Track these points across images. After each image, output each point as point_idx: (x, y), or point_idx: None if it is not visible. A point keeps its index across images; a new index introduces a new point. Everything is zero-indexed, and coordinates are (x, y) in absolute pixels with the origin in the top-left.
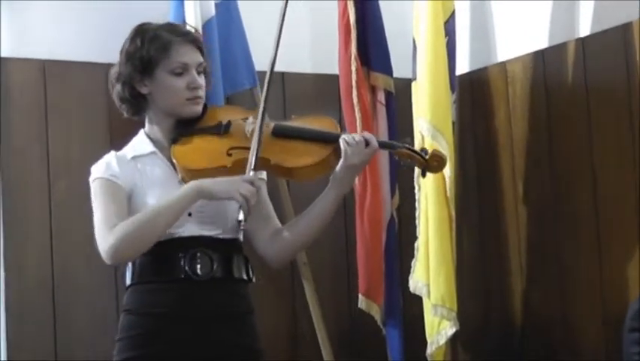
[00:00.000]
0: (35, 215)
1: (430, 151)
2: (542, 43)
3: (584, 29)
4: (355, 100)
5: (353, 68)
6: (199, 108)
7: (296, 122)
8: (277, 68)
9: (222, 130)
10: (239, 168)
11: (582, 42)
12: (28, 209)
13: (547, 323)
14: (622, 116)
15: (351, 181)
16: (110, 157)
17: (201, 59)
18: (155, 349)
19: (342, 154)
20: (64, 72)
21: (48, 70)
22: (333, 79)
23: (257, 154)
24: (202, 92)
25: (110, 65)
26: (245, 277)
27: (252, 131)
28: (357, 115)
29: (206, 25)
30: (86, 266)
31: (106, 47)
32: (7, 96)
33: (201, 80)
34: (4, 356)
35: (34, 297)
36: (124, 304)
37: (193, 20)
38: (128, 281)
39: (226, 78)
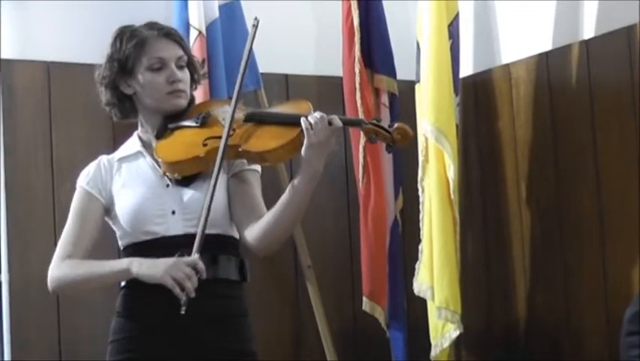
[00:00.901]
0: (39, 217)
1: (396, 125)
2: (546, 45)
3: (588, 31)
4: (359, 102)
5: (357, 70)
6: (182, 102)
7: (271, 109)
8: (281, 70)
9: (200, 121)
10: (212, 156)
11: (586, 44)
12: (33, 211)
13: (551, 325)
14: (626, 118)
15: (318, 161)
16: (93, 165)
17: (180, 53)
18: (143, 352)
19: (305, 132)
20: (68, 74)
21: (52, 72)
22: (336, 81)
23: (215, 185)
24: (183, 86)
25: None
26: (234, 277)
27: (225, 119)
28: (361, 117)
29: (210, 26)
30: None
31: None
32: (12, 98)
33: (182, 74)
34: (8, 357)
35: (38, 299)
36: (115, 307)
37: (197, 22)
38: (122, 283)
39: (230, 80)
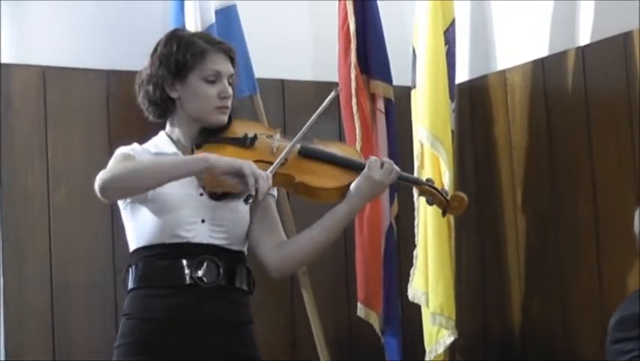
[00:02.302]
0: (35, 221)
1: (450, 192)
2: (542, 51)
3: (584, 38)
4: (355, 108)
5: (353, 76)
6: (225, 118)
7: (322, 146)
8: (277, 76)
9: (248, 142)
10: None
11: (582, 51)
12: (28, 215)
13: (546, 332)
14: (622, 124)
15: (363, 198)
16: (135, 145)
17: (232, 70)
18: (152, 356)
19: (368, 163)
20: (64, 79)
21: (48, 76)
22: (332, 87)
23: (281, 160)
24: (230, 102)
25: (109, 72)
26: (246, 288)
27: (278, 147)
28: (357, 123)
29: (206, 31)
30: (84, 272)
31: (106, 54)
32: (8, 102)
33: (231, 91)
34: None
35: (33, 303)
36: (124, 309)
37: (193, 27)
38: (130, 285)
39: None
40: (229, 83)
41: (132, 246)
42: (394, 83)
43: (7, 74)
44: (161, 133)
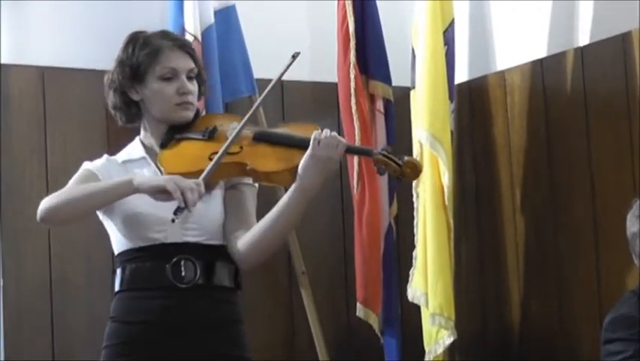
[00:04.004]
0: (34, 221)
1: (406, 158)
2: (541, 52)
3: (583, 38)
4: (354, 108)
5: (352, 76)
6: (189, 114)
7: (280, 129)
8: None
9: (207, 135)
10: (218, 171)
11: (581, 51)
12: (27, 215)
13: (545, 333)
14: (621, 125)
15: (314, 177)
16: (101, 159)
17: (192, 65)
18: (138, 357)
19: (310, 143)
20: (63, 79)
21: (47, 77)
22: (331, 87)
23: (215, 165)
24: (192, 98)
25: (108, 72)
26: (229, 284)
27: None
28: (356, 123)
29: (206, 32)
30: (83, 272)
31: (105, 54)
32: (6, 102)
33: (192, 86)
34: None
35: (32, 303)
36: (110, 312)
37: (192, 28)
38: (116, 288)
39: (225, 86)
40: (190, 78)
41: (115, 251)
42: (393, 83)
43: (6, 74)
44: (136, 139)
